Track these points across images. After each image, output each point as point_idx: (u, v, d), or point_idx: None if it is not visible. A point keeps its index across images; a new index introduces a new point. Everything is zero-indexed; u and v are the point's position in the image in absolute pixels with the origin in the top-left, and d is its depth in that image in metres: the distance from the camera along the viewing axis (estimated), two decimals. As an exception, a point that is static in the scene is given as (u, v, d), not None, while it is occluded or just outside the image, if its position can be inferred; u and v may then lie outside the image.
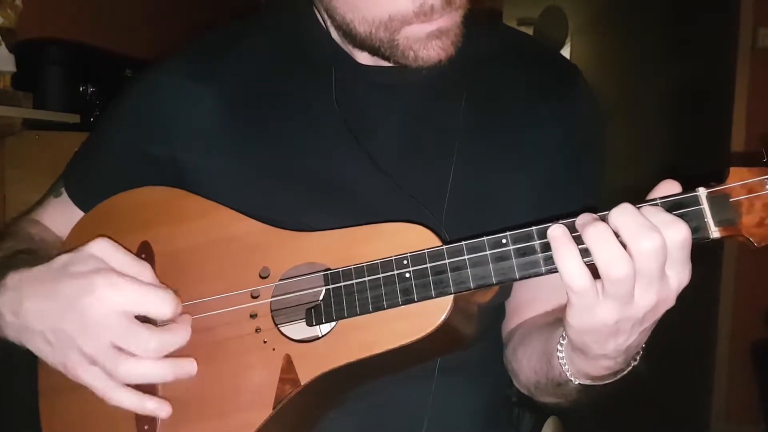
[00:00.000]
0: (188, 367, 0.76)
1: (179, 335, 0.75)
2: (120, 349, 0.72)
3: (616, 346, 0.65)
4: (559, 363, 0.73)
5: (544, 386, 0.80)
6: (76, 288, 0.73)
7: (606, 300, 0.60)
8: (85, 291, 0.72)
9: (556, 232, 0.60)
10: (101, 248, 0.76)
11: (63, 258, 0.76)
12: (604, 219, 0.61)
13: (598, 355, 0.67)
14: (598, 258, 0.59)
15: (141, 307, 0.73)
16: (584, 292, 0.60)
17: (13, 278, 0.78)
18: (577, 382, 0.73)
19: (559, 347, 0.73)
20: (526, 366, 0.85)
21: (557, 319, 0.78)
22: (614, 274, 0.58)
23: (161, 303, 0.74)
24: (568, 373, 0.73)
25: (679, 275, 0.60)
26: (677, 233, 0.58)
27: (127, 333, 0.72)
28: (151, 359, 0.73)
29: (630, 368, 0.71)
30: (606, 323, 0.62)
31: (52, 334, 0.74)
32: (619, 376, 0.71)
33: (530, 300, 0.90)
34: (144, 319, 0.74)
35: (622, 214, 0.59)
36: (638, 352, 0.70)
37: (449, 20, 0.78)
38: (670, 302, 0.62)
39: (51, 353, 0.75)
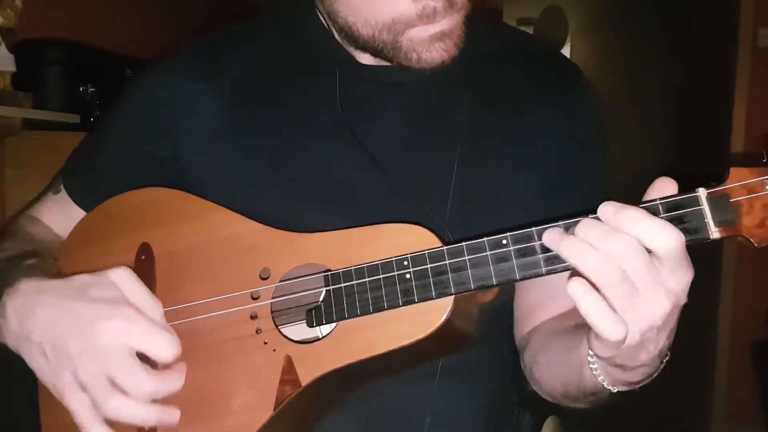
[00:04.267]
0: (173, 416, 0.76)
1: (173, 384, 0.75)
2: (114, 383, 0.72)
3: (648, 354, 0.65)
4: (594, 375, 0.72)
5: (575, 395, 0.80)
6: (91, 312, 0.73)
7: (625, 315, 0.60)
8: (99, 317, 0.72)
9: (577, 289, 0.59)
10: (122, 278, 0.76)
11: (83, 278, 0.76)
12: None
13: (634, 366, 0.67)
14: (585, 270, 0.59)
15: (147, 346, 0.73)
16: (620, 341, 0.60)
17: (29, 285, 0.77)
18: (615, 390, 0.73)
19: (590, 360, 0.72)
20: (550, 377, 0.84)
21: (576, 325, 0.77)
22: (606, 278, 0.58)
23: (166, 347, 0.74)
24: (604, 383, 0.72)
25: (682, 276, 0.60)
26: (667, 240, 0.58)
27: (126, 369, 0.72)
28: (141, 401, 0.73)
29: (664, 365, 0.71)
30: (632, 344, 0.62)
31: (51, 349, 0.74)
32: (656, 374, 0.71)
33: (542, 303, 0.89)
34: (142, 357, 0.74)
35: (586, 228, 0.60)
36: (669, 346, 0.69)
37: (451, 22, 0.78)
38: (682, 301, 0.62)
39: (44, 368, 0.75)
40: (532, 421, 1.09)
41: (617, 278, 0.58)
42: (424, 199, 0.83)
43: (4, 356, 0.81)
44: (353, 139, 0.85)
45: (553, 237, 0.62)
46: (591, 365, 0.72)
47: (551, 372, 0.84)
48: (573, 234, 0.61)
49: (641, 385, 0.72)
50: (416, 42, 0.79)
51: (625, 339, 0.60)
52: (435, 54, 0.79)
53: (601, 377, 0.72)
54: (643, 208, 0.61)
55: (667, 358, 0.71)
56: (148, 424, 0.75)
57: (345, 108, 0.86)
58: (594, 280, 0.59)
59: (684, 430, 3.23)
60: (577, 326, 0.77)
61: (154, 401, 0.74)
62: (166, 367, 0.76)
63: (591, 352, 0.71)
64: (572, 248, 0.60)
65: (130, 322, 0.73)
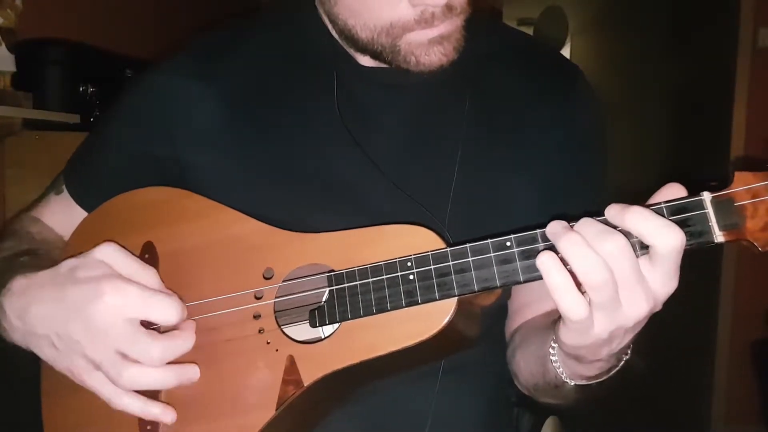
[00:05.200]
0: (191, 373, 0.76)
1: (183, 342, 0.75)
2: (124, 356, 0.72)
3: (610, 351, 0.66)
4: (554, 367, 0.74)
5: (543, 388, 0.81)
6: (83, 293, 0.73)
7: (596, 313, 0.61)
8: (92, 297, 0.72)
9: (545, 262, 0.61)
10: (108, 253, 0.76)
11: (70, 262, 0.76)
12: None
13: (592, 360, 0.68)
14: (577, 267, 0.60)
15: (146, 313, 0.73)
16: (583, 320, 0.61)
17: (20, 282, 0.78)
18: (573, 384, 0.74)
19: (551, 351, 0.74)
20: (524, 368, 0.86)
21: (553, 321, 0.78)
22: (594, 280, 0.59)
23: (166, 309, 0.74)
24: (563, 376, 0.74)
25: (668, 281, 0.61)
26: (670, 238, 0.58)
27: (131, 340, 0.72)
28: (155, 366, 0.73)
29: (623, 363, 0.72)
30: (600, 337, 0.63)
31: (57, 339, 0.74)
32: (613, 372, 0.73)
33: (532, 301, 0.90)
34: (149, 324, 0.74)
35: (583, 225, 0.61)
36: (629, 346, 0.71)
37: (450, 26, 0.78)
38: (658, 308, 0.63)
39: (57, 358, 0.75)
40: (532, 421, 1.09)
41: (603, 279, 0.59)
42: (423, 200, 0.83)
43: (6, 357, 0.81)
44: (352, 140, 0.85)
45: (555, 229, 0.62)
46: (551, 356, 0.73)
47: (525, 364, 0.85)
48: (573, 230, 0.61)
49: (599, 380, 0.73)
50: (414, 45, 0.79)
51: (593, 325, 0.61)
52: (433, 57, 0.79)
53: (560, 369, 0.73)
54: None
55: (627, 356, 0.72)
56: (167, 387, 0.75)
57: (345, 109, 0.86)
58: (581, 277, 0.60)
59: (684, 430, 3.23)
60: (553, 322, 0.77)
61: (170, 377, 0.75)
62: (174, 329, 0.76)
63: (553, 344, 0.73)
64: (569, 242, 0.60)
65: (123, 294, 0.72)
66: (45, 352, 0.76)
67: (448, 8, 0.77)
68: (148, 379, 0.73)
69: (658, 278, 0.60)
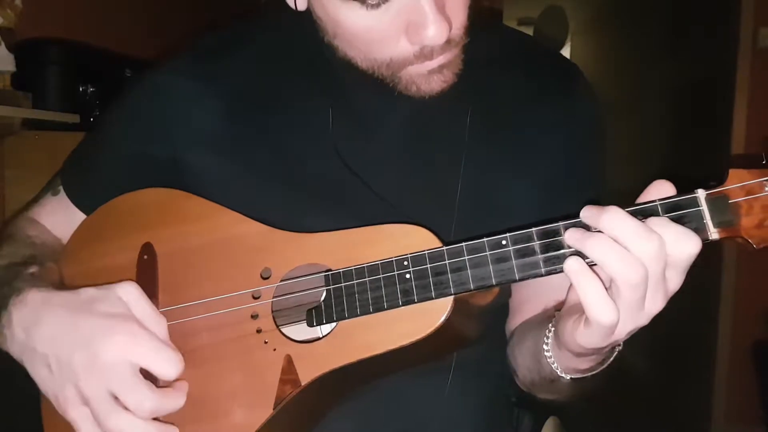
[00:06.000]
0: None
1: (174, 402, 0.75)
2: (116, 399, 0.72)
3: (610, 345, 0.67)
4: (548, 361, 0.74)
5: (539, 383, 0.82)
6: (96, 327, 0.73)
7: (622, 314, 0.61)
8: (104, 333, 0.73)
9: (575, 267, 0.60)
10: (129, 294, 0.76)
11: (90, 291, 0.76)
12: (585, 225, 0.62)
13: (588, 355, 0.69)
14: (612, 268, 0.59)
15: (150, 362, 0.73)
16: (612, 324, 0.61)
17: (35, 296, 0.78)
18: (568, 377, 0.74)
19: (545, 346, 0.74)
20: (521, 364, 0.86)
21: (548, 316, 0.79)
22: (634, 279, 0.59)
23: (169, 365, 0.74)
24: (558, 371, 0.74)
25: (681, 280, 0.61)
26: (689, 246, 0.59)
27: (129, 386, 0.72)
28: (142, 419, 0.73)
29: (615, 354, 0.72)
30: (616, 340, 0.63)
31: (55, 362, 0.74)
32: (606, 364, 0.73)
33: (531, 298, 0.90)
34: (145, 374, 0.74)
35: (616, 219, 0.60)
36: None
37: (450, 56, 0.79)
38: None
39: (48, 381, 0.75)
40: (532, 422, 1.09)
41: (641, 279, 0.59)
42: (426, 203, 0.83)
43: (6, 358, 0.81)
44: (351, 146, 0.86)
45: (576, 236, 0.62)
46: (545, 352, 0.74)
47: (522, 360, 0.86)
48: (599, 230, 0.61)
49: (592, 373, 0.73)
50: (415, 76, 0.79)
51: (615, 326, 0.61)
52: (434, 85, 0.80)
53: (554, 364, 0.74)
54: (644, 209, 0.61)
55: (620, 347, 0.72)
56: None
57: (345, 114, 0.86)
58: (617, 279, 0.59)
59: (684, 430, 3.23)
60: (548, 318, 0.78)
61: (155, 419, 0.74)
62: (169, 384, 0.76)
63: (546, 339, 0.73)
64: (599, 246, 0.59)
65: (134, 339, 0.73)
66: (38, 372, 0.75)
67: (447, 42, 0.77)
68: (132, 429, 0.72)
69: (675, 279, 0.61)
